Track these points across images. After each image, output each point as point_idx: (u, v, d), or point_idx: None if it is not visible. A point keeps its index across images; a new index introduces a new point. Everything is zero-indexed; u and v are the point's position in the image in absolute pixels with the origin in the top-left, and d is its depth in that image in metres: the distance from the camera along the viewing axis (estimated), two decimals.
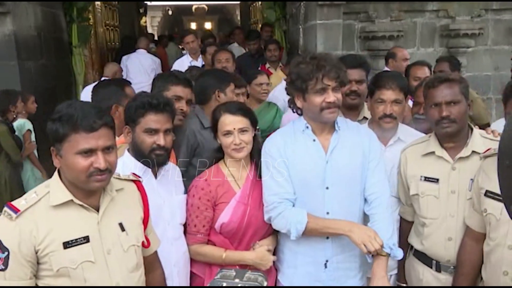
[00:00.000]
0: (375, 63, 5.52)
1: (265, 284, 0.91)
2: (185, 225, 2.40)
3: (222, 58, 4.75)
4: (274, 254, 2.45)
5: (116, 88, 2.74)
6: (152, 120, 2.14)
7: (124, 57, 7.11)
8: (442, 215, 2.33)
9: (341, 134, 2.31)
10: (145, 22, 16.08)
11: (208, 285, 0.87)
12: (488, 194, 2.07)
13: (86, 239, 1.70)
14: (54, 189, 1.72)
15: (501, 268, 2.00)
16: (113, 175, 1.87)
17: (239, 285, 0.88)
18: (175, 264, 2.30)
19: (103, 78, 5.97)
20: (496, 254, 2.03)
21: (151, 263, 2.05)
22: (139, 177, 2.01)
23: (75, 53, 6.79)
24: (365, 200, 2.33)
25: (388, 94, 2.55)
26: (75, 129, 1.63)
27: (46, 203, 1.69)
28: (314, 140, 2.29)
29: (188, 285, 2.41)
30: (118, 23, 9.23)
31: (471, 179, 2.24)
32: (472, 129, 2.35)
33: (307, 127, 2.30)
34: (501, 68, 5.86)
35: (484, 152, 2.19)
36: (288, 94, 2.38)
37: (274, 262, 2.43)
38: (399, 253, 2.23)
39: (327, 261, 2.30)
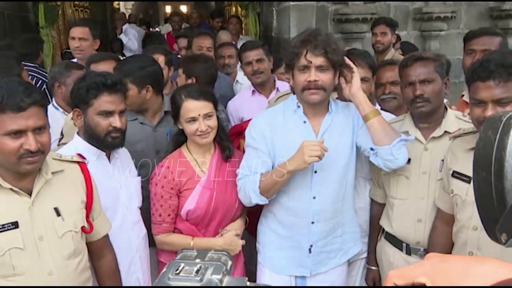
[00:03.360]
0: (348, 46, 5.47)
1: (229, 263, 0.85)
2: (145, 211, 2.33)
3: (203, 45, 4.15)
4: (254, 236, 2.43)
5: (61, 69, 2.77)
6: (106, 101, 2.02)
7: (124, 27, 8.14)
8: (412, 196, 2.31)
9: (334, 116, 2.25)
10: (118, 4, 15.73)
11: (166, 266, 0.81)
12: (455, 174, 2.05)
13: (15, 225, 1.61)
14: None
15: (466, 249, 1.99)
16: (54, 156, 1.78)
17: (199, 265, 0.81)
18: (137, 250, 2.26)
19: None
20: (462, 235, 2.02)
21: (100, 249, 1.97)
22: (84, 158, 1.91)
23: (42, 34, 6.56)
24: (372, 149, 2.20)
25: (359, 72, 2.50)
26: (1, 109, 1.53)
27: None
28: (304, 122, 2.22)
29: (149, 269, 2.36)
30: (88, 4, 8.97)
31: (442, 160, 2.22)
32: (447, 109, 2.32)
33: (299, 106, 2.23)
34: None
35: (453, 132, 2.17)
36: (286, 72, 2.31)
37: (255, 244, 2.41)
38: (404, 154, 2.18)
39: (311, 246, 2.28)
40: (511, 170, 0.71)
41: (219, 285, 0.77)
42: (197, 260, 0.82)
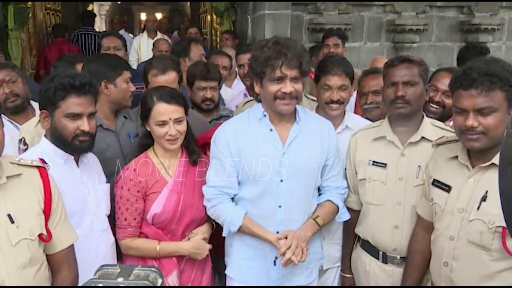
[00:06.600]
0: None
1: (159, 282, 0.74)
2: (112, 217, 2.26)
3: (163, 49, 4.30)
4: (221, 247, 2.39)
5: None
6: (74, 103, 1.95)
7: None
8: (388, 202, 2.29)
9: (302, 125, 2.23)
10: (92, 9, 15.48)
11: (81, 286, 0.69)
12: (435, 183, 2.03)
13: None
14: None
15: (442, 258, 1.97)
16: (12, 160, 1.69)
17: (121, 285, 0.69)
18: (104, 258, 2.17)
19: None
20: (439, 244, 2.00)
21: (58, 263, 1.80)
22: (46, 163, 1.82)
23: (11, 36, 6.37)
24: (319, 189, 2.32)
25: (334, 80, 2.49)
26: None
27: None
28: (271, 130, 2.20)
29: None
30: (60, 8, 8.77)
31: (419, 166, 2.22)
32: (423, 116, 2.32)
33: (265, 115, 2.20)
34: (444, 64, 5.98)
35: (437, 140, 2.15)
36: (249, 77, 2.28)
37: (223, 256, 2.37)
38: (346, 216, 2.36)
39: (276, 258, 2.22)
40: None
41: None
42: (120, 279, 0.71)
